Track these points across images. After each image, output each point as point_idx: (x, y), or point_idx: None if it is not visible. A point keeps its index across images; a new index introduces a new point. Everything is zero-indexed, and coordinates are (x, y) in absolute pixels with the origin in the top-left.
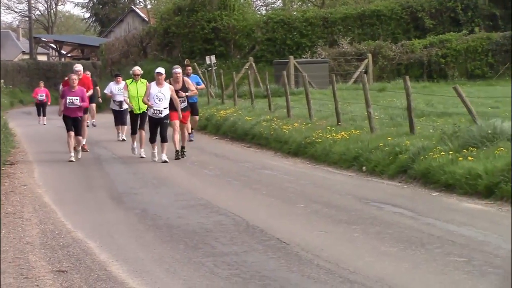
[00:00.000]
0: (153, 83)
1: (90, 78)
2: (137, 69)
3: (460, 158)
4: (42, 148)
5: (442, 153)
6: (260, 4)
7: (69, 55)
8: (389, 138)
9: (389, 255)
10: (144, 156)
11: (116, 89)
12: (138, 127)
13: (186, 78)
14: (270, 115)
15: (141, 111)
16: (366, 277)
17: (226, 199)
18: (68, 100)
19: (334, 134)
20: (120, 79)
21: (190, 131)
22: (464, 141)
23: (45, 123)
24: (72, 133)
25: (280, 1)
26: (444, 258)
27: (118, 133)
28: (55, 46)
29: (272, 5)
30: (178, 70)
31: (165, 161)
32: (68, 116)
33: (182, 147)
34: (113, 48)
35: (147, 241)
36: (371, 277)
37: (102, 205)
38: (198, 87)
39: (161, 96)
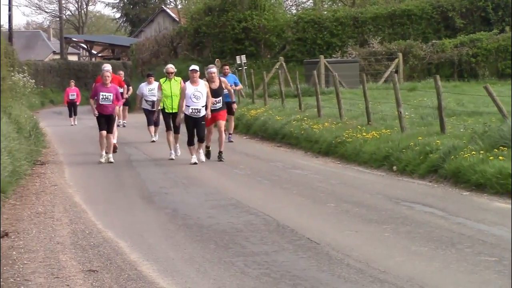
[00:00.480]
0: (188, 83)
1: (121, 78)
2: (171, 67)
3: (491, 158)
4: (73, 148)
5: (473, 152)
6: (291, 4)
7: (99, 55)
8: (420, 138)
9: (420, 254)
10: (179, 153)
11: (147, 89)
12: (172, 125)
13: (223, 78)
14: (300, 115)
15: (174, 111)
16: (396, 276)
17: (256, 198)
18: (101, 96)
19: (364, 134)
20: (152, 79)
21: (230, 132)
22: (495, 141)
23: (75, 123)
24: (105, 132)
25: (310, 0)
26: (474, 258)
27: (151, 134)
28: (85, 46)
29: (303, 5)
30: (213, 69)
31: (202, 161)
32: (101, 114)
33: (220, 152)
34: (144, 48)
35: (178, 240)
36: (402, 277)
37: (132, 205)
38: (236, 87)
39: (198, 94)
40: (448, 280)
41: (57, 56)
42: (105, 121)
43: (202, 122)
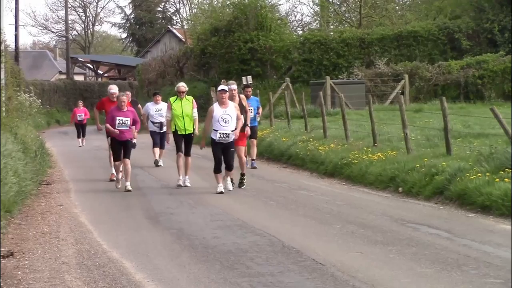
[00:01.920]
0: (216, 104)
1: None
2: (182, 86)
3: (497, 180)
4: (79, 168)
5: (479, 174)
6: (297, 25)
7: (106, 75)
8: (426, 159)
9: (425, 276)
10: (189, 185)
11: (153, 110)
12: (183, 148)
13: (242, 96)
14: (306, 136)
15: (186, 132)
16: None
17: (262, 219)
18: (118, 121)
19: (370, 155)
20: (159, 98)
21: (253, 158)
22: (501, 163)
23: (84, 144)
24: (119, 162)
25: (317, 21)
26: (480, 280)
27: (155, 156)
28: (92, 66)
29: (309, 26)
30: (234, 86)
31: (230, 190)
32: (118, 141)
33: (242, 174)
34: (150, 68)
35: (183, 261)
36: None
37: (138, 225)
38: (259, 112)
39: (227, 117)
40: None
41: (63, 76)
42: (121, 148)
43: (232, 149)
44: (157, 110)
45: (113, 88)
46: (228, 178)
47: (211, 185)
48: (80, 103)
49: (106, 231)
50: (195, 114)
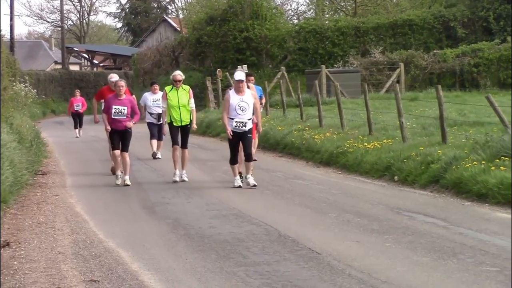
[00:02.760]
0: (232, 91)
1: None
2: (178, 74)
3: (493, 168)
4: (74, 158)
5: (475, 162)
6: (292, 14)
7: (101, 64)
8: (421, 148)
9: (421, 264)
10: (186, 179)
11: (151, 100)
12: (179, 140)
13: (251, 85)
14: (302, 125)
15: (183, 124)
16: (398, 286)
17: (258, 208)
18: (114, 110)
19: (366, 144)
20: (156, 87)
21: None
22: (497, 151)
23: (81, 135)
24: (118, 152)
25: (312, 10)
26: (476, 268)
27: (153, 148)
28: (87, 56)
29: (304, 15)
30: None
31: (254, 185)
32: (116, 130)
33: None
34: (145, 57)
35: (179, 250)
36: (403, 287)
37: (134, 215)
38: (262, 101)
39: (243, 105)
40: None
41: (59, 66)
42: (119, 138)
43: (249, 135)
44: (155, 100)
45: (114, 77)
46: (250, 175)
47: (207, 175)
48: (77, 93)
49: (102, 221)
50: (192, 104)
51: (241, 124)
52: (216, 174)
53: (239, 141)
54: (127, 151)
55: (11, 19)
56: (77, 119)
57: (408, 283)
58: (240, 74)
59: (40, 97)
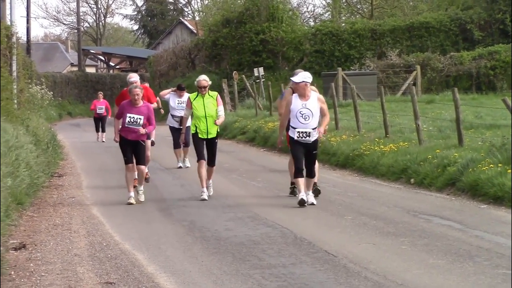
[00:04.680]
0: (295, 96)
1: (152, 91)
2: (203, 80)
3: (509, 170)
4: (91, 160)
5: (491, 165)
6: (308, 16)
7: (117, 67)
8: (438, 151)
9: (437, 267)
10: (211, 192)
11: (176, 101)
12: (206, 156)
13: (313, 87)
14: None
15: (209, 136)
16: None
17: (273, 211)
18: (128, 119)
19: (382, 146)
20: (183, 93)
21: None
22: None
23: (104, 140)
24: (132, 165)
25: (328, 13)
26: (492, 271)
27: (178, 160)
28: (103, 58)
29: (321, 17)
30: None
31: (313, 204)
32: (127, 140)
33: (292, 183)
34: (162, 60)
35: (195, 253)
36: None
37: (150, 217)
38: None
39: (306, 112)
40: None
41: (75, 68)
42: (132, 150)
43: (314, 152)
44: (180, 102)
45: (134, 77)
46: (310, 192)
47: (223, 177)
48: (100, 95)
49: (118, 223)
50: (221, 112)
51: (304, 135)
52: (232, 176)
53: (304, 153)
54: (143, 164)
55: (28, 21)
56: (100, 123)
57: (424, 285)
58: (303, 75)
59: (56, 99)
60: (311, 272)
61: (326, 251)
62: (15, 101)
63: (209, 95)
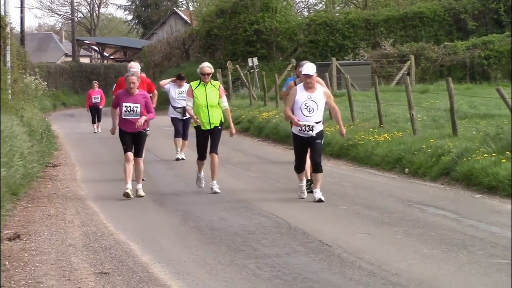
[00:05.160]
0: (300, 86)
1: (150, 80)
2: (207, 66)
3: (503, 160)
4: (85, 151)
5: (485, 155)
6: (302, 6)
7: (111, 57)
8: (432, 140)
9: (432, 257)
10: (219, 191)
11: (176, 92)
12: (208, 149)
13: (319, 79)
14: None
15: (212, 126)
16: (408, 279)
17: (268, 201)
18: (124, 108)
19: (376, 136)
20: (183, 83)
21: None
22: (507, 143)
23: (99, 130)
24: (131, 154)
25: (322, 3)
26: (487, 260)
27: (177, 150)
28: (97, 49)
29: (315, 7)
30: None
31: (320, 200)
32: (126, 132)
33: (308, 180)
34: (156, 50)
35: (189, 243)
36: (414, 279)
37: (144, 207)
38: None
39: (311, 104)
40: (460, 283)
41: (69, 59)
42: (132, 141)
43: (317, 141)
44: (180, 92)
45: (134, 67)
46: (317, 189)
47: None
48: (95, 85)
49: (113, 213)
50: (225, 103)
51: (307, 128)
52: (227, 166)
53: (306, 147)
54: (141, 157)
55: (22, 11)
56: (95, 113)
57: (419, 275)
58: (309, 67)
59: (51, 89)
60: (305, 262)
61: (321, 241)
62: (9, 92)
63: (212, 84)
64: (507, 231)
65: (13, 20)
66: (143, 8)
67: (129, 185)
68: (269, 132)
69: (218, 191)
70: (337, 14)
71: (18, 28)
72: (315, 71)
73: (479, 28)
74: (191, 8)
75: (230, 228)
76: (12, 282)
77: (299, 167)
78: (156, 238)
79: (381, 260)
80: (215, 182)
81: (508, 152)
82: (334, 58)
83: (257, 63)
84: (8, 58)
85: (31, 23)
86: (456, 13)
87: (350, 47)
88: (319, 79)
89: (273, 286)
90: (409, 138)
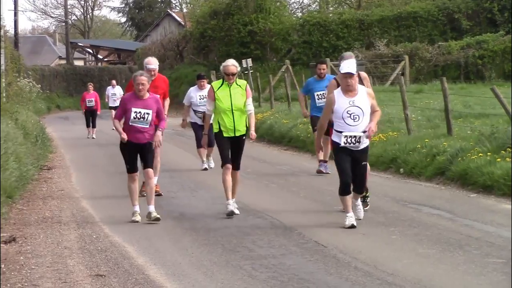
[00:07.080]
0: (338, 91)
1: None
2: (232, 65)
3: (498, 159)
4: (79, 153)
5: (480, 154)
6: (296, 7)
7: (105, 59)
8: (427, 140)
9: (427, 257)
10: (237, 212)
11: (197, 97)
12: (232, 159)
13: (364, 74)
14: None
15: (237, 134)
16: (404, 279)
17: (263, 202)
18: (134, 114)
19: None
20: (204, 82)
21: (326, 159)
22: (502, 142)
23: (94, 137)
24: (136, 175)
25: (316, 3)
26: (482, 260)
27: (203, 160)
28: (91, 51)
29: (308, 8)
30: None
31: (360, 218)
32: (132, 143)
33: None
34: (150, 52)
35: (185, 244)
36: (409, 279)
37: (140, 210)
38: None
39: (355, 111)
40: (456, 282)
41: (63, 61)
42: (136, 154)
43: (364, 163)
44: (202, 97)
45: (152, 63)
46: (359, 202)
47: (213, 169)
48: (90, 86)
49: (108, 216)
50: (251, 106)
51: (353, 140)
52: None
53: (352, 163)
54: (151, 167)
55: (15, 14)
56: (90, 117)
57: (414, 275)
58: (349, 64)
59: (45, 92)
60: (301, 263)
61: (316, 242)
62: (4, 95)
63: (237, 84)
64: (503, 230)
65: (7, 23)
66: (137, 10)
67: (137, 208)
68: (264, 133)
69: (237, 212)
70: (330, 15)
71: (12, 31)
72: (355, 68)
73: (473, 28)
74: (184, 10)
75: (226, 229)
76: (8, 285)
77: (345, 187)
78: (152, 240)
79: (376, 260)
80: (233, 200)
81: (503, 151)
82: (328, 59)
83: (251, 64)
84: (2, 61)
85: (25, 25)
86: (450, 13)
87: (344, 48)
88: (364, 74)
89: (269, 287)
90: (404, 138)
